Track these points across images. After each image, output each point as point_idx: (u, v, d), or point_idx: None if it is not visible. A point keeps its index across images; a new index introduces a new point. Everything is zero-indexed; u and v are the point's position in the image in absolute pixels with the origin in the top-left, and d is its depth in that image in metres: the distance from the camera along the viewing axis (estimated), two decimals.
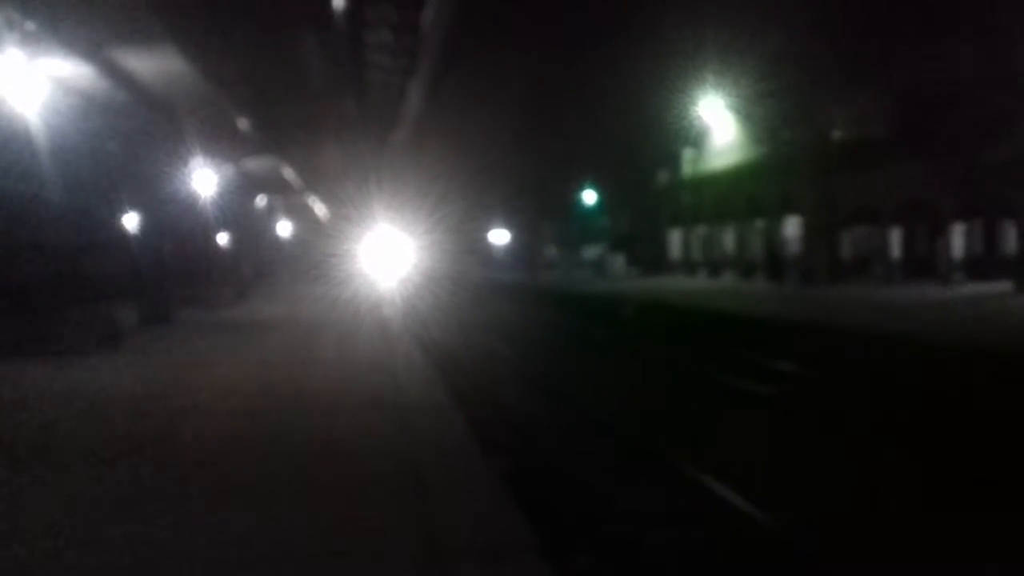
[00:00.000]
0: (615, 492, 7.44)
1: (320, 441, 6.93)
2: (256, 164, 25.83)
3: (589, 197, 45.50)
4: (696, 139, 38.28)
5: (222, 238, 25.61)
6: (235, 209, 25.08)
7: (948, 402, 10.39)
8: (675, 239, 42.87)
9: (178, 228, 20.15)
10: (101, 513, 5.11)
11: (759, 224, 34.52)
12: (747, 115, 32.26)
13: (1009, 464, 7.70)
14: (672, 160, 41.21)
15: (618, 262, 47.47)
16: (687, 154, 40.10)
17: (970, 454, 8.28)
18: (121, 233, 20.51)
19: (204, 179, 20.64)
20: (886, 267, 28.32)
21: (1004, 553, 5.88)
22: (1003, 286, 22.70)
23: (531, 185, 51.52)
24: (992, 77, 23.18)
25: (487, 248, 64.69)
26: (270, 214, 37.99)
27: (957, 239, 26.09)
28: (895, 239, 28.30)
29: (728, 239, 37.93)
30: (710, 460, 7.90)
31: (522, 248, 63.10)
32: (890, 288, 25.48)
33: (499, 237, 65.67)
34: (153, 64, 16.54)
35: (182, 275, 21.14)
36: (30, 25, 12.96)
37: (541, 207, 54.69)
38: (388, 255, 48.70)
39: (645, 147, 40.17)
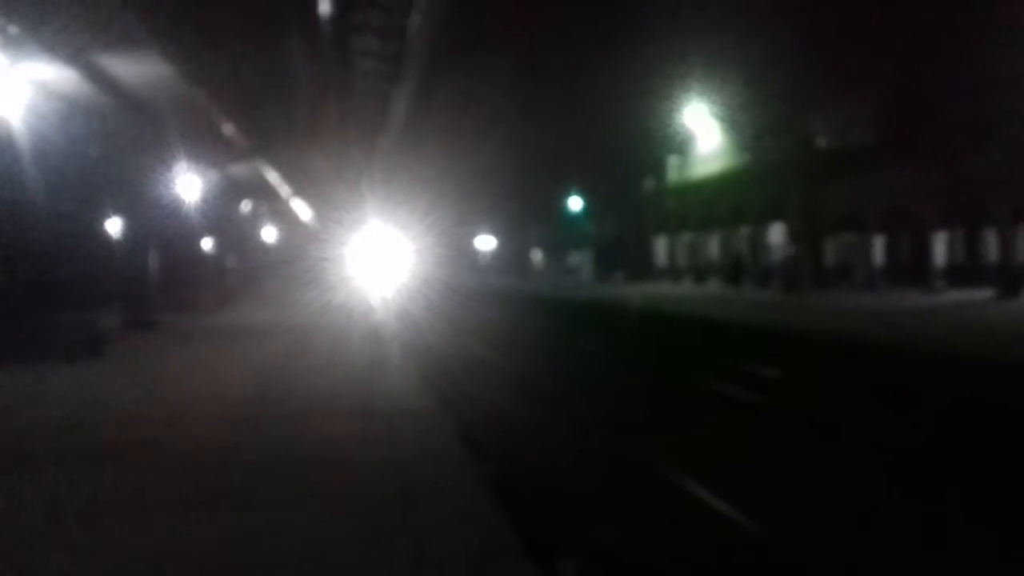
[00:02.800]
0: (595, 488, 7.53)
1: (307, 449, 6.89)
2: (241, 169, 25.67)
3: (575, 203, 45.69)
4: (681, 146, 38.57)
5: (207, 243, 25.44)
6: (220, 214, 24.91)
7: (895, 398, 10.85)
8: (660, 245, 43.09)
9: (162, 233, 19.99)
10: (68, 519, 5.11)
11: (744, 231, 34.79)
12: (732, 123, 32.52)
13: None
14: (657, 167, 41.48)
15: (586, 269, 48.39)
16: (672, 161, 40.39)
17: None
18: (104, 238, 20.28)
19: (188, 184, 20.50)
20: (869, 274, 28.59)
21: None
22: (984, 293, 22.97)
23: (518, 191, 51.62)
24: (975, 86, 23.49)
25: (474, 253, 64.77)
26: (256, 219, 37.79)
27: (939, 246, 26.37)
28: (878, 246, 28.57)
29: (713, 246, 38.17)
30: (684, 458, 8.04)
31: (509, 254, 63.22)
32: (872, 295, 25.71)
33: (485, 243, 65.76)
34: (137, 68, 16.37)
35: (166, 281, 20.98)
36: (13, 29, 12.85)
37: (528, 213, 54.84)
38: (375, 260, 48.65)
39: (631, 154, 40.40)
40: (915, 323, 16.03)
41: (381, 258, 47.94)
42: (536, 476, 8.01)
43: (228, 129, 21.25)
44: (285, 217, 42.68)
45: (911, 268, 28.32)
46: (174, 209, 20.00)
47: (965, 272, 26.94)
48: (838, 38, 25.93)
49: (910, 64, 25.69)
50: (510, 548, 4.48)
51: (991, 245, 26.10)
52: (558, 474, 8.02)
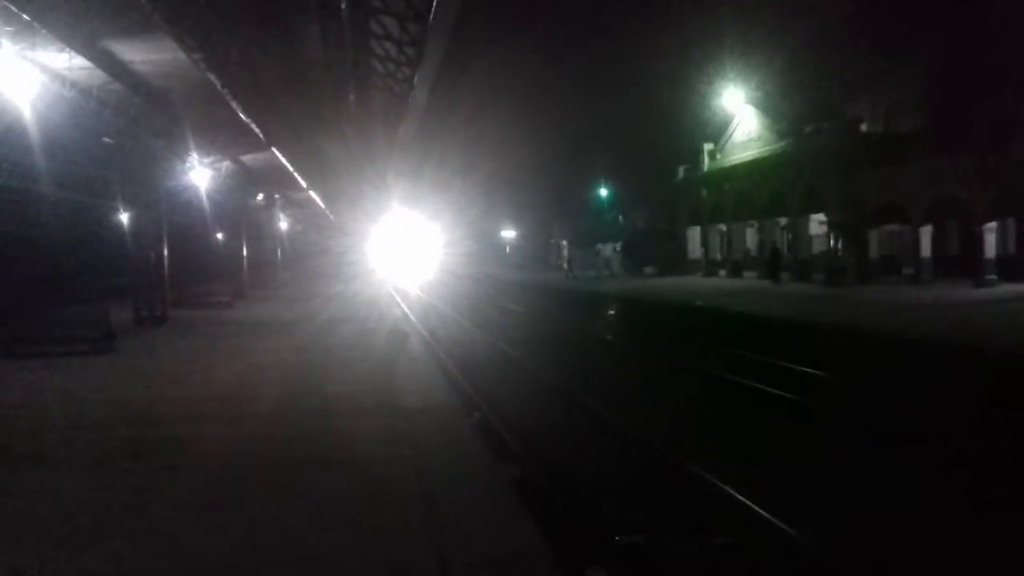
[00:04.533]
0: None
1: (325, 447, 6.71)
2: (256, 159, 25.19)
3: (603, 194, 44.67)
4: (717, 133, 37.26)
5: (221, 236, 25.05)
6: (235, 206, 24.48)
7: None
8: (694, 237, 41.81)
9: (176, 227, 19.56)
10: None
11: (782, 221, 33.47)
12: (770, 108, 31.22)
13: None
14: (691, 155, 40.16)
15: (616, 262, 47.65)
16: (707, 149, 39.03)
17: None
18: (119, 232, 19.92)
19: (202, 175, 20.03)
20: (916, 266, 27.24)
21: None
22: None
23: (544, 182, 50.71)
24: None
25: (498, 246, 64.13)
26: (270, 211, 37.39)
27: (990, 237, 25.00)
28: (925, 237, 27.18)
29: (749, 237, 36.89)
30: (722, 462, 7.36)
31: (534, 246, 62.39)
32: (920, 288, 24.45)
33: (509, 235, 65.01)
34: (150, 56, 15.96)
35: (179, 274, 20.57)
36: (25, 16, 12.46)
37: (554, 205, 53.97)
38: (397, 252, 48.23)
39: (664, 142, 39.21)
40: (972, 319, 14.91)
41: (403, 250, 47.55)
42: (556, 478, 7.36)
43: (243, 118, 20.74)
44: (301, 208, 42.30)
45: (960, 260, 26.91)
46: (187, 202, 19.57)
47: (1018, 264, 25.52)
48: (884, 18, 24.67)
49: (960, 46, 24.36)
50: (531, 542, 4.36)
51: None
52: (578, 480, 7.41)
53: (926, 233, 27.22)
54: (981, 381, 10.87)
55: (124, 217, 19.62)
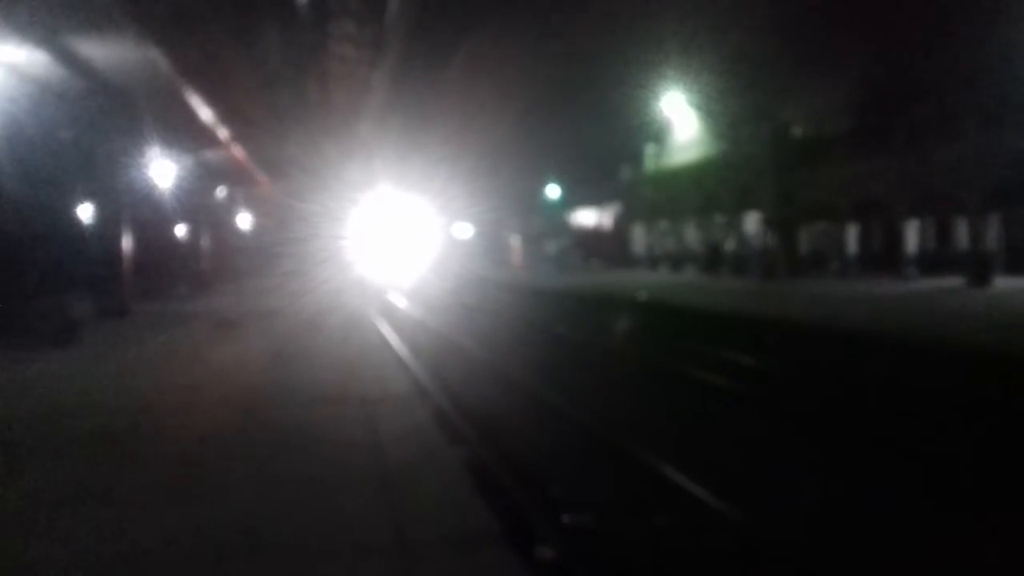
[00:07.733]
0: None
1: (287, 434, 6.92)
2: (217, 154, 25.40)
3: (553, 192, 45.70)
4: (658, 135, 38.76)
5: (181, 230, 25.18)
6: (195, 200, 24.65)
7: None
8: (638, 234, 43.30)
9: (136, 219, 19.76)
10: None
11: (719, 219, 35.08)
12: (708, 111, 32.74)
13: None
14: (635, 156, 41.64)
15: (567, 257, 48.75)
16: (649, 150, 40.58)
17: None
18: (76, 223, 19.96)
19: (163, 169, 20.28)
20: (842, 262, 28.99)
21: None
22: (955, 281, 23.40)
23: (500, 180, 51.36)
24: (945, 75, 23.86)
25: (454, 242, 64.48)
26: (231, 206, 37.36)
27: (911, 235, 26.81)
28: (852, 234, 28.97)
29: (690, 234, 38.46)
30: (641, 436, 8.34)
31: (488, 243, 62.99)
32: (845, 283, 26.09)
33: (463, 232, 65.38)
34: (111, 52, 16.17)
35: (140, 267, 20.73)
36: None
37: (509, 202, 54.69)
38: (357, 248, 48.46)
39: (608, 143, 40.49)
40: (884, 311, 16.34)
41: (362, 246, 47.80)
42: (509, 462, 8.17)
43: (204, 114, 21.01)
44: (261, 204, 42.28)
45: (883, 256, 28.75)
46: (147, 195, 19.78)
47: (936, 260, 27.40)
48: (813, 28, 26.17)
49: (882, 55, 26.00)
50: (480, 519, 4.64)
51: (962, 233, 26.55)
52: (529, 461, 8.18)
53: (852, 230, 29.02)
54: (870, 359, 12.27)
55: (84, 210, 19.68)
